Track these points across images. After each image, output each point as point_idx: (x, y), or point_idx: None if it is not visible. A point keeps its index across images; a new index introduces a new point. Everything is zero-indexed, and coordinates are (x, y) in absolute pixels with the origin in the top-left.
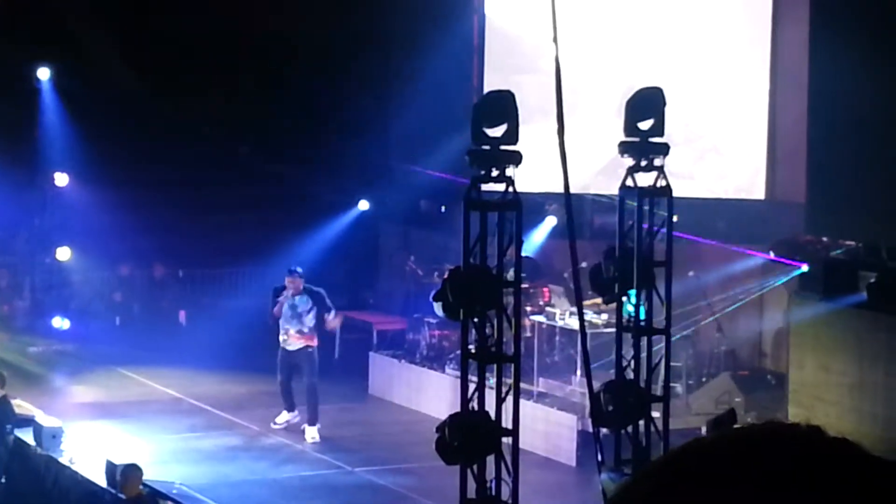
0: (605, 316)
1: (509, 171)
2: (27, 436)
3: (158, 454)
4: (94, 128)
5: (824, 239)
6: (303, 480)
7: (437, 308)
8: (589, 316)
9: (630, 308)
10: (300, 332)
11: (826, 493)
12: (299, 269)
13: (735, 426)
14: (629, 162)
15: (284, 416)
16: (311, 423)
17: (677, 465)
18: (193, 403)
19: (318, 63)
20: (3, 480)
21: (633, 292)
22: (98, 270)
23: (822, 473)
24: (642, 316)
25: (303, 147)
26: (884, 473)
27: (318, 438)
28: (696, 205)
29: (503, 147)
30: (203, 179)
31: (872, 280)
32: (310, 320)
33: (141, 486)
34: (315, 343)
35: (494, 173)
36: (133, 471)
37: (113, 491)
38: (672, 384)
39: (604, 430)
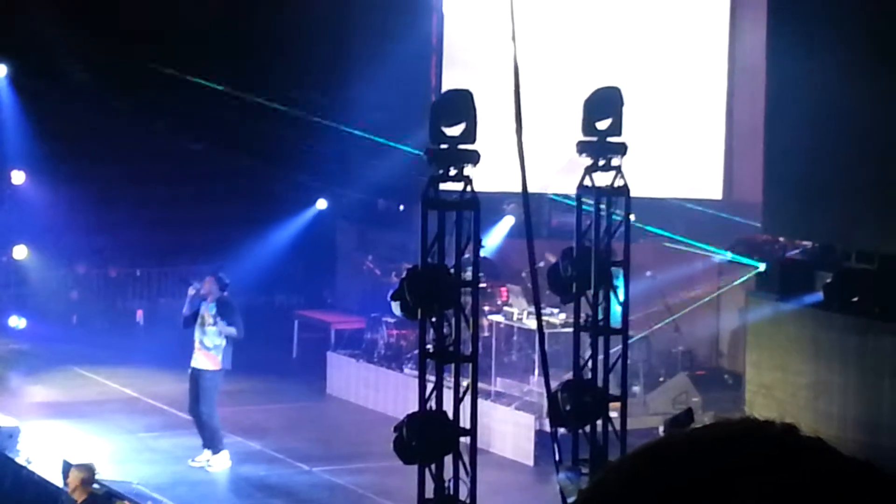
0: (562, 315)
1: (467, 170)
2: None
3: (116, 454)
4: (51, 125)
5: (781, 239)
6: (260, 480)
7: (395, 307)
8: (546, 316)
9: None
10: (202, 344)
11: (801, 493)
12: (224, 277)
13: (693, 426)
14: (587, 161)
15: (204, 455)
16: (214, 452)
17: (651, 460)
18: (151, 403)
19: (276, 59)
20: None
21: (598, 292)
22: (55, 269)
23: (798, 472)
24: (615, 315)
25: (260, 145)
26: (858, 473)
27: (225, 467)
28: (654, 205)
29: (461, 146)
30: (160, 177)
31: (829, 280)
32: (213, 335)
33: (95, 486)
34: (214, 366)
35: (452, 172)
36: (81, 471)
37: (69, 491)
38: (629, 384)
39: (561, 430)
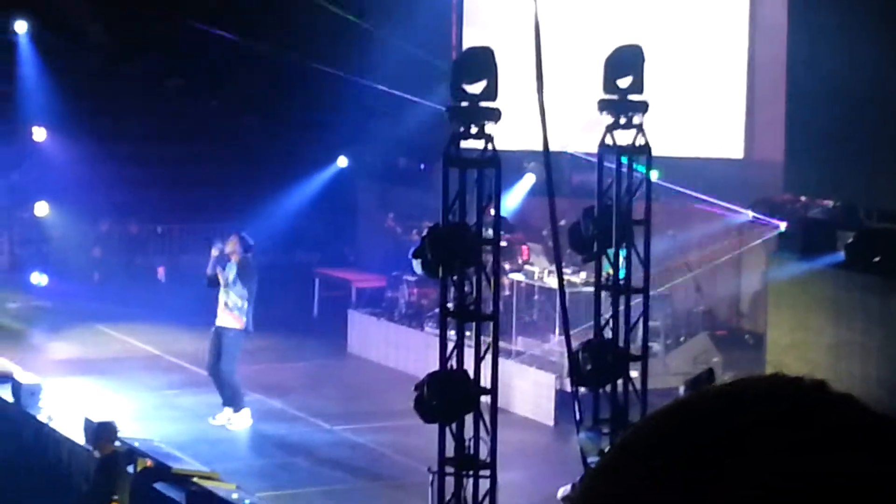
0: (583, 274)
1: (488, 128)
2: (5, 393)
3: (137, 411)
4: (72, 82)
5: (802, 198)
6: (281, 438)
7: (416, 265)
8: (568, 274)
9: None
10: (226, 305)
11: (832, 447)
12: (248, 238)
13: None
14: (608, 120)
15: (225, 413)
16: (236, 410)
17: (678, 417)
18: (172, 360)
19: (296, 19)
20: None
21: (619, 251)
22: (76, 226)
23: (828, 426)
24: (622, 275)
25: (281, 103)
26: (889, 428)
27: (232, 424)
28: (675, 164)
29: (482, 104)
30: (181, 135)
31: (850, 240)
32: (235, 295)
33: (116, 444)
34: (238, 325)
35: (473, 130)
36: (104, 429)
37: (90, 448)
38: (650, 343)
39: (582, 389)
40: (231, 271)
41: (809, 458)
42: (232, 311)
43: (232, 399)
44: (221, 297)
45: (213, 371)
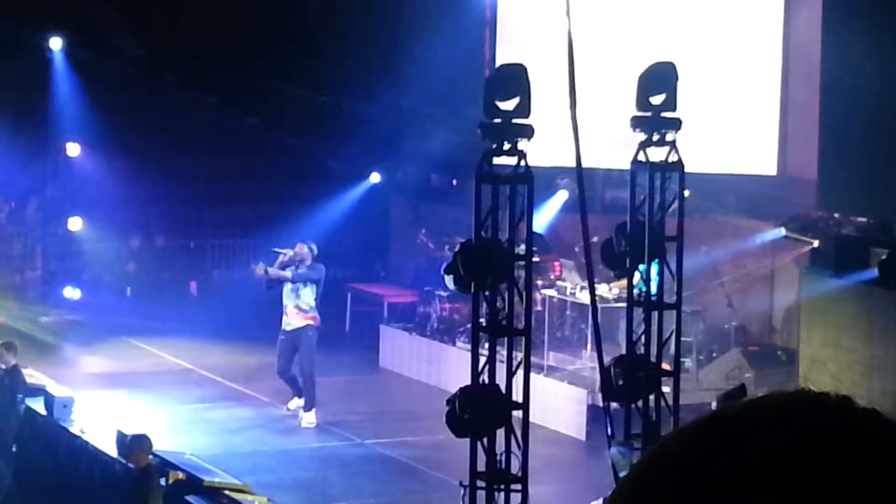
0: (615, 290)
1: (521, 145)
2: (38, 405)
3: (169, 424)
4: (106, 97)
5: (836, 215)
6: (313, 452)
7: (449, 281)
8: (600, 290)
9: (643, 282)
10: (298, 307)
11: (858, 463)
12: (313, 245)
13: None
14: (641, 136)
15: (296, 402)
16: (307, 409)
17: (706, 431)
18: (204, 374)
19: (328, 35)
20: (14, 450)
21: (643, 267)
22: (109, 241)
23: (855, 442)
24: (653, 291)
25: (314, 119)
26: None
27: (313, 423)
28: (708, 180)
29: (515, 120)
30: (214, 151)
31: (884, 257)
32: (307, 295)
33: (150, 457)
34: (316, 323)
35: (506, 146)
36: (141, 441)
37: (123, 461)
38: (682, 359)
39: (614, 405)
40: (305, 274)
41: (833, 475)
42: (307, 312)
43: (310, 397)
44: (291, 301)
45: (285, 374)
